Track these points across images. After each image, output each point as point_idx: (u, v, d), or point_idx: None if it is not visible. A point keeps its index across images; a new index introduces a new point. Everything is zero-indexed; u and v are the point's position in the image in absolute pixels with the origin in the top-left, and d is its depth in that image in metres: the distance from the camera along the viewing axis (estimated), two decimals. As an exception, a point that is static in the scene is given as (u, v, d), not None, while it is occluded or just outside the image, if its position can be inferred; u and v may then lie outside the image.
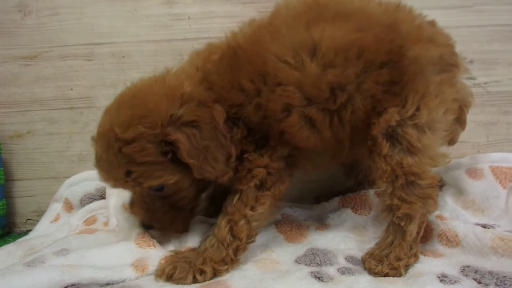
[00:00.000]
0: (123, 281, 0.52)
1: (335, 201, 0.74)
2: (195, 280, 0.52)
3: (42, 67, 0.81)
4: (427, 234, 0.63)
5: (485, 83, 0.83)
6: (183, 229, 0.61)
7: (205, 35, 0.80)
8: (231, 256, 0.54)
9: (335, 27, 0.52)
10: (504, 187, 0.70)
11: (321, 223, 0.69)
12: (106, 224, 0.72)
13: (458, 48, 0.80)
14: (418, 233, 0.56)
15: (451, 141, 0.65)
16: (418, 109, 0.53)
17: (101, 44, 0.80)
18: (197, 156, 0.50)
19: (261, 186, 0.56)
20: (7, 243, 0.72)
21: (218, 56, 0.55)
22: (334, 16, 0.53)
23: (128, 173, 0.51)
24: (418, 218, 0.55)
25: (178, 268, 0.52)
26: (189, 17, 0.80)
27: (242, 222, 0.55)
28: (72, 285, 0.49)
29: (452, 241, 0.60)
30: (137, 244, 0.58)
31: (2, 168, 0.80)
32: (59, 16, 0.79)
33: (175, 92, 0.52)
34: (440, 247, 0.60)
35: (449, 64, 0.56)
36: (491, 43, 0.82)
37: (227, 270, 0.54)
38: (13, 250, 0.63)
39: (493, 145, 0.84)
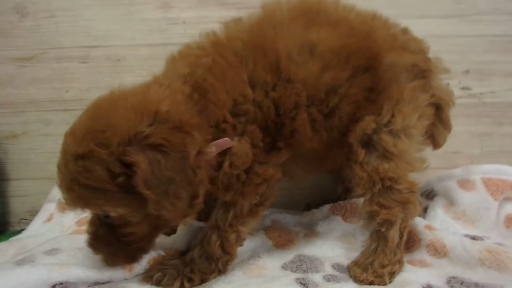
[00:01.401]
0: (111, 280, 0.53)
1: (326, 208, 0.75)
2: (182, 286, 0.52)
3: (38, 69, 0.81)
4: (415, 244, 0.63)
5: (480, 94, 0.83)
6: (128, 263, 0.53)
7: (200, 40, 0.80)
8: (220, 268, 0.55)
9: (328, 32, 0.53)
10: (495, 199, 0.70)
11: (310, 230, 0.69)
12: (97, 226, 0.73)
13: (454, 58, 0.81)
14: (401, 238, 0.56)
15: (436, 145, 0.65)
16: (393, 115, 0.54)
17: (97, 47, 0.81)
18: (156, 188, 0.41)
19: (258, 201, 0.55)
20: (0, 241, 0.74)
21: (211, 58, 0.51)
22: (326, 22, 0.54)
23: (69, 190, 0.45)
24: (398, 223, 0.55)
25: (167, 275, 0.52)
26: (184, 22, 0.80)
27: (233, 237, 0.54)
28: (60, 283, 0.50)
29: (440, 251, 0.60)
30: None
31: (-3, 168, 0.81)
32: (56, 19, 0.80)
33: (148, 108, 0.44)
34: (427, 257, 0.60)
35: (422, 70, 0.57)
36: (488, 53, 0.81)
37: (214, 277, 0.55)
38: (5, 248, 0.64)
39: (487, 157, 0.83)
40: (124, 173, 0.42)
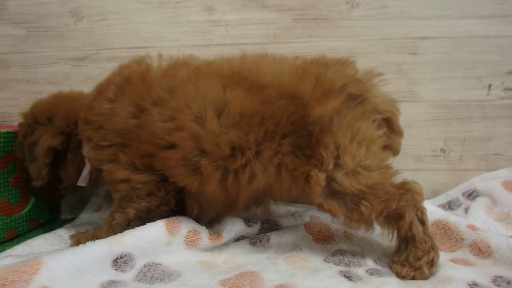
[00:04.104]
0: (156, 241, 0.57)
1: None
2: None
3: (90, 68, 0.87)
4: (457, 243, 0.63)
5: (524, 95, 0.81)
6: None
7: (241, 41, 0.84)
8: None
9: (246, 96, 0.56)
10: (542, 202, 0.69)
11: (349, 227, 0.70)
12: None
13: (497, 59, 0.80)
14: (424, 224, 0.55)
15: (394, 152, 0.64)
16: (338, 158, 0.54)
17: (144, 47, 0.85)
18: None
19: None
20: (55, 227, 0.79)
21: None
22: (249, 87, 0.56)
23: None
24: (415, 218, 0.55)
25: None
26: (226, 24, 0.84)
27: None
28: (121, 257, 0.54)
29: (484, 252, 0.59)
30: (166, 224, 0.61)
31: (52, 160, 0.87)
32: (107, 21, 0.86)
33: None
34: (471, 257, 0.60)
35: (356, 96, 0.56)
36: (532, 53, 0.80)
37: None
38: (64, 234, 0.70)
39: (530, 159, 0.82)
40: None
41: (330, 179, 0.55)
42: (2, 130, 0.72)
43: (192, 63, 0.63)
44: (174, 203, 0.64)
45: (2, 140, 0.72)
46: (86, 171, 0.68)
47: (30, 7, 0.86)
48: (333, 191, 0.55)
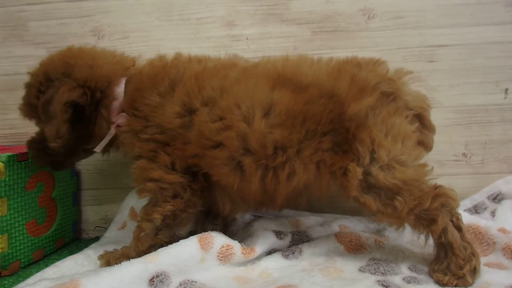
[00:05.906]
0: (190, 258, 0.56)
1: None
2: None
3: (112, 86, 0.88)
4: (489, 247, 0.63)
5: (540, 98, 0.83)
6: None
7: (262, 54, 0.85)
8: None
9: (291, 96, 0.58)
10: None
11: (380, 235, 0.70)
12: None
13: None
14: (461, 231, 0.56)
15: (427, 148, 0.65)
16: (373, 152, 0.55)
17: (166, 64, 0.87)
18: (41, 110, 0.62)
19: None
20: (78, 247, 0.79)
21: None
22: (294, 88, 0.58)
23: None
24: (450, 223, 0.55)
25: None
26: (247, 38, 0.86)
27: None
28: (157, 276, 0.53)
29: (517, 255, 0.59)
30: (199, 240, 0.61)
31: (75, 177, 0.86)
32: (129, 39, 0.87)
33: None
34: (504, 261, 0.60)
35: (388, 94, 0.58)
36: (547, 57, 0.82)
37: None
38: (93, 254, 0.69)
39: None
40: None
41: (366, 173, 0.56)
42: (32, 151, 0.72)
43: (238, 63, 0.65)
44: (201, 204, 0.64)
45: (30, 160, 0.72)
46: (108, 138, 0.66)
47: (51, 28, 0.88)
48: (368, 185, 0.56)
